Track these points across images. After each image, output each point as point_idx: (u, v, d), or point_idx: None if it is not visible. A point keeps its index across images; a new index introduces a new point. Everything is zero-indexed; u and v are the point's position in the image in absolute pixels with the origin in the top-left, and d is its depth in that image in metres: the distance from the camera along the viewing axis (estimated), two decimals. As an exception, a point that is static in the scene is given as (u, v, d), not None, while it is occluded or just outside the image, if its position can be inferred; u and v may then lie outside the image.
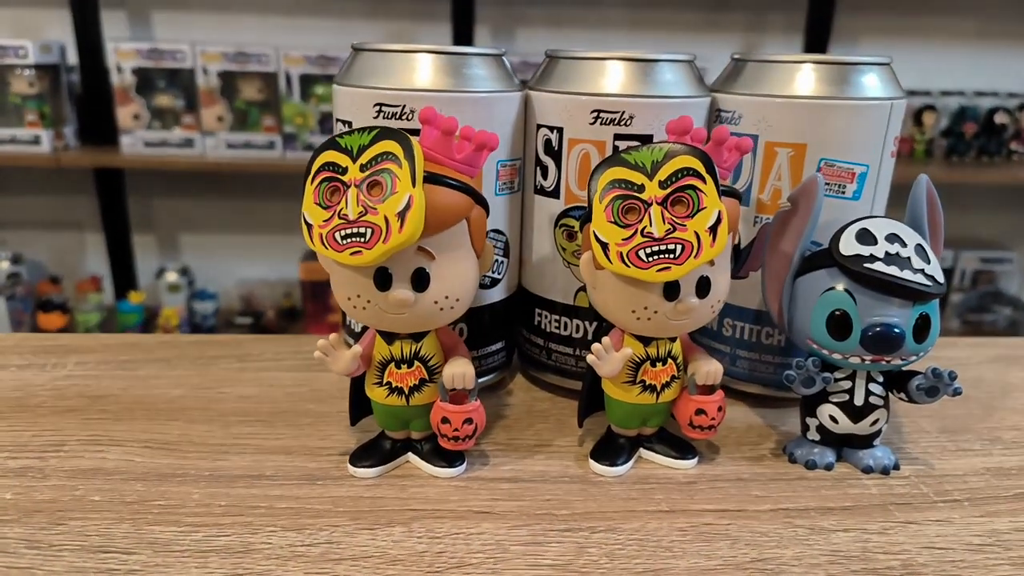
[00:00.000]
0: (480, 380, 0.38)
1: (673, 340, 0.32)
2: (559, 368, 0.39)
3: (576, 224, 0.36)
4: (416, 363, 0.31)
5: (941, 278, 0.31)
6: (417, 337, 0.31)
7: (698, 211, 0.28)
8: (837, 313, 0.31)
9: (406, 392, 0.31)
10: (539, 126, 0.37)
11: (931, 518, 0.30)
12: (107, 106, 1.35)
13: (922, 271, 0.30)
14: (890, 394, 0.33)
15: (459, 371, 0.30)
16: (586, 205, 0.30)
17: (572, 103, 0.35)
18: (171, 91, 1.37)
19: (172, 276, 1.52)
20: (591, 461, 0.33)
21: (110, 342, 0.45)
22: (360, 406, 0.33)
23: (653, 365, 0.32)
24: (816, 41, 1.40)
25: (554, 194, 0.37)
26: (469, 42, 1.35)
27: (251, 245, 1.62)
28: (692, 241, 0.28)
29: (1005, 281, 1.67)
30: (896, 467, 0.34)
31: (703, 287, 0.30)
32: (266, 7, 1.47)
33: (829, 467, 0.34)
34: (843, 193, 0.35)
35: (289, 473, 0.32)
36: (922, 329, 0.31)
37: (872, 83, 0.35)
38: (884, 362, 0.31)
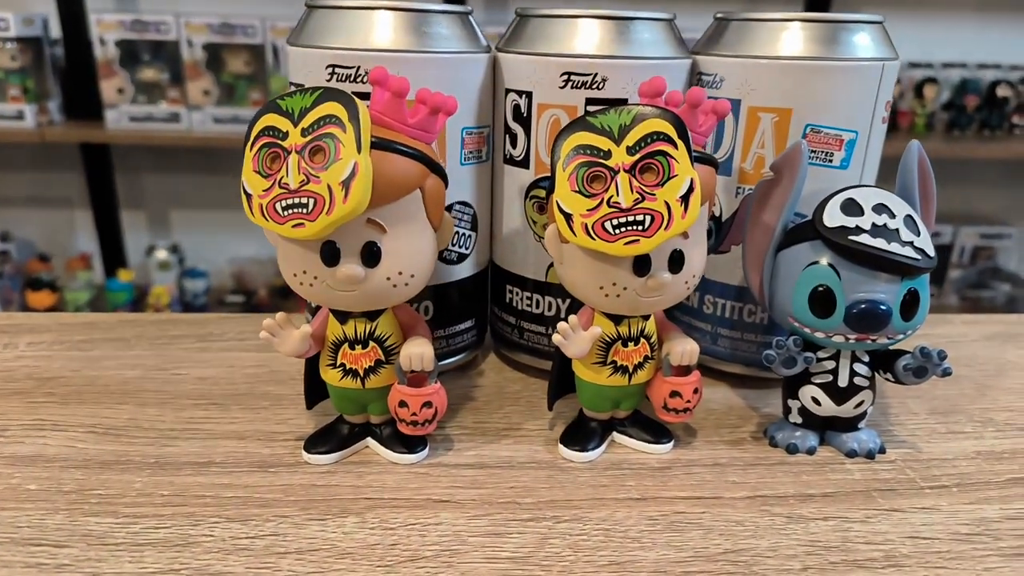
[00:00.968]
0: (448, 360, 0.37)
1: (646, 318, 0.30)
2: (531, 348, 0.38)
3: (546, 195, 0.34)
4: (371, 343, 0.29)
5: (932, 251, 0.29)
6: (372, 316, 0.29)
7: (668, 179, 0.26)
8: (820, 289, 0.29)
9: (361, 374, 0.29)
10: (508, 91, 0.34)
11: (917, 505, 0.29)
12: (91, 80, 1.32)
13: (911, 244, 0.28)
14: (876, 375, 0.31)
15: (417, 352, 0.29)
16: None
17: (541, 65, 0.33)
18: (156, 64, 1.34)
19: (162, 254, 1.50)
20: (560, 446, 0.32)
21: (68, 320, 0.43)
22: (316, 389, 0.31)
23: (624, 345, 0.30)
24: (815, 9, 1.36)
25: (523, 164, 0.35)
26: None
27: (243, 222, 1.57)
28: (662, 211, 0.26)
29: (1004, 257, 1.65)
30: (882, 451, 0.32)
31: (676, 261, 0.28)
32: (253, -24, 1.43)
33: (811, 451, 0.32)
34: (830, 161, 0.33)
35: (240, 460, 0.30)
36: (910, 306, 0.29)
37: (863, 42, 0.33)
38: (870, 341, 0.29)
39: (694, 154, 0.27)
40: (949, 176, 1.67)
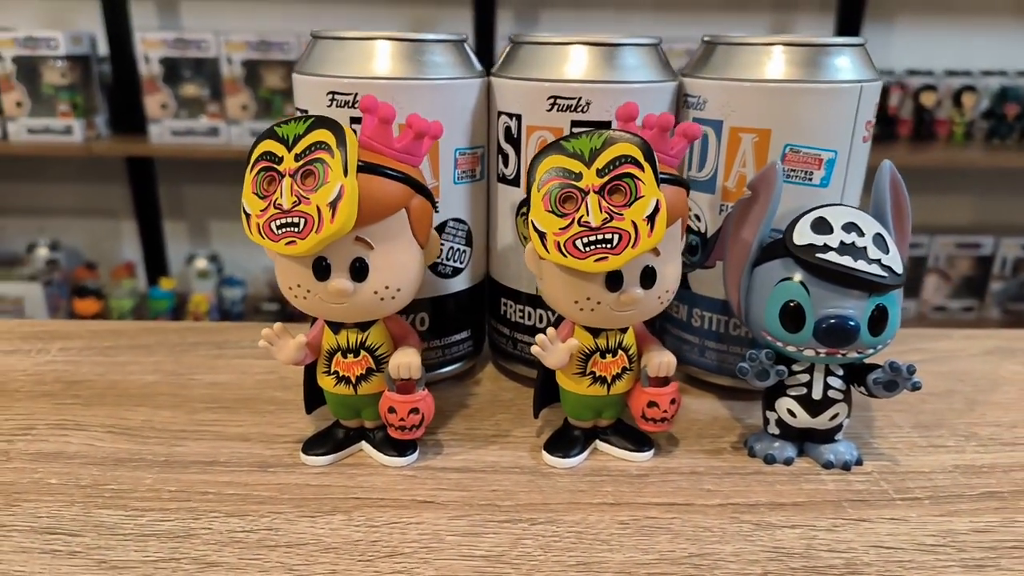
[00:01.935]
0: (445, 369, 0.39)
1: (624, 331, 0.32)
2: (525, 358, 0.39)
3: (536, 213, 0.36)
4: (362, 352, 0.31)
5: (900, 269, 0.30)
6: (363, 327, 0.31)
7: (635, 200, 0.27)
8: (791, 304, 0.30)
9: (353, 381, 0.31)
10: (500, 113, 0.36)
11: (885, 516, 0.30)
12: (136, 96, 1.38)
13: (878, 261, 0.29)
14: (852, 388, 0.32)
15: (405, 361, 0.30)
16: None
17: (529, 89, 0.34)
18: (197, 80, 1.40)
19: (201, 263, 1.56)
20: (544, 452, 0.33)
21: (97, 328, 0.46)
22: (315, 395, 0.33)
23: (603, 357, 0.31)
24: (849, 20, 1.35)
25: (515, 182, 0.36)
26: (491, 27, 1.34)
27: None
28: (629, 230, 0.27)
29: (1048, 269, 1.61)
30: (859, 462, 0.33)
31: (648, 277, 0.29)
32: (290, -6, 1.48)
33: (788, 462, 0.33)
34: (810, 180, 0.34)
35: (243, 460, 0.33)
36: (878, 321, 0.30)
37: (843, 65, 0.34)
38: (840, 355, 0.30)
39: (665, 176, 0.28)
40: (988, 186, 1.64)
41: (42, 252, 1.59)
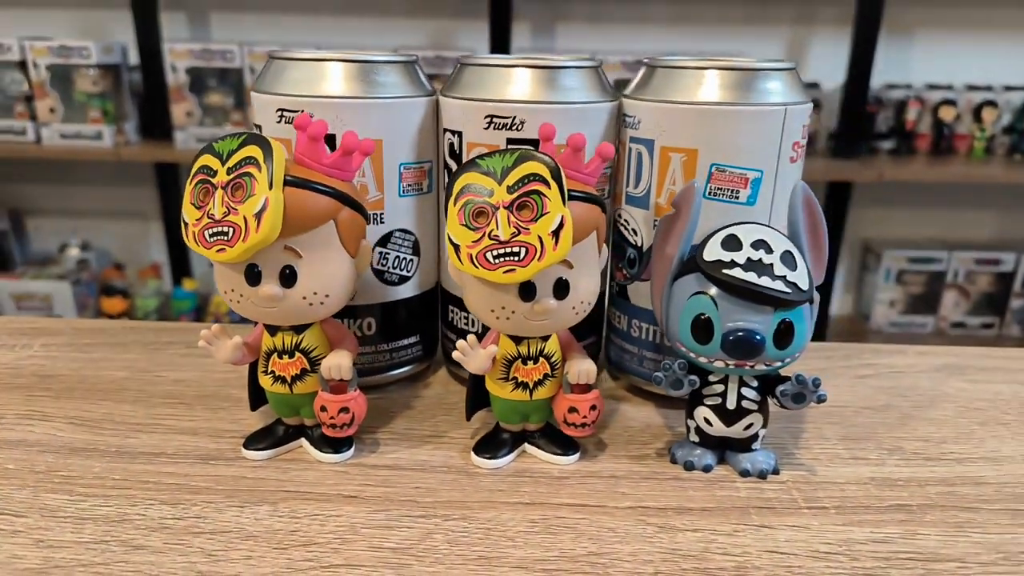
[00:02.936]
0: (394, 372, 0.41)
1: (546, 339, 0.33)
2: (470, 363, 0.41)
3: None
4: (297, 354, 0.33)
5: (805, 285, 0.31)
6: (299, 329, 0.33)
7: (542, 215, 0.29)
8: (702, 317, 0.31)
9: (289, 381, 0.33)
10: (445, 130, 0.38)
11: (788, 523, 0.30)
12: (164, 104, 1.43)
13: (783, 278, 0.30)
14: (767, 399, 0.33)
15: (335, 363, 0.32)
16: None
17: (469, 108, 0.36)
18: (221, 89, 1.45)
19: (222, 265, 1.60)
20: (472, 453, 0.35)
21: (81, 326, 0.49)
22: (259, 393, 0.35)
23: (524, 363, 0.33)
24: (866, 34, 1.34)
25: (458, 196, 0.38)
26: (506, 40, 1.36)
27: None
28: (536, 244, 0.29)
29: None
30: (775, 472, 0.34)
31: (561, 289, 0.31)
32: (317, 7, 1.52)
33: (707, 469, 0.34)
34: (737, 198, 0.35)
35: (188, 452, 0.35)
36: (784, 335, 0.31)
37: (772, 88, 0.35)
38: (748, 367, 0.31)
39: (576, 194, 0.30)
40: (1010, 201, 1.61)
41: (73, 252, 1.65)
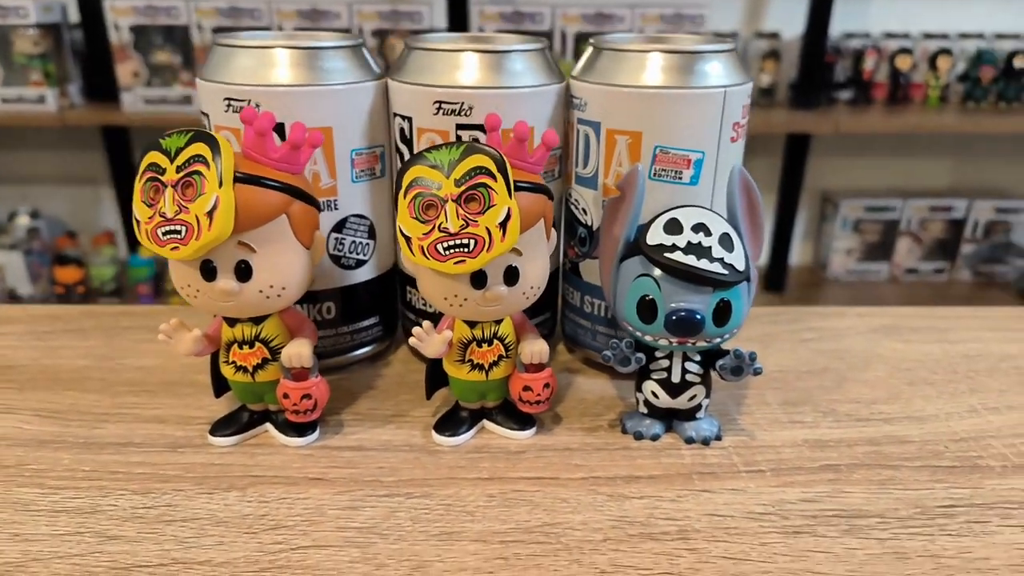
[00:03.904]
0: (356, 352, 0.42)
1: (499, 322, 0.34)
2: (429, 341, 0.42)
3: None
4: (257, 344, 0.34)
5: (742, 266, 0.32)
6: (257, 320, 0.34)
7: (489, 208, 0.30)
8: (646, 298, 0.33)
9: (250, 370, 0.34)
10: (395, 115, 0.38)
11: (727, 487, 0.33)
12: (108, 64, 1.38)
13: (721, 260, 0.32)
14: (710, 372, 0.35)
15: (295, 352, 0.33)
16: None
17: (418, 93, 0.37)
18: (168, 47, 1.40)
19: (179, 230, 1.57)
20: (433, 432, 0.36)
21: (36, 312, 0.49)
22: (222, 381, 0.36)
23: (479, 346, 0.34)
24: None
25: (411, 180, 0.39)
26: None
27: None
28: (484, 236, 0.30)
29: (1021, 231, 1.63)
30: (718, 438, 0.36)
31: (512, 276, 0.32)
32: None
33: (655, 438, 0.36)
34: (680, 179, 0.37)
35: (156, 441, 0.36)
36: (723, 313, 0.32)
37: (712, 71, 0.36)
38: (690, 344, 0.33)
39: (522, 184, 0.31)
40: (964, 149, 1.65)
41: (23, 221, 1.61)
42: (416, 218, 0.30)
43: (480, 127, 0.36)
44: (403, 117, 0.38)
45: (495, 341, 0.35)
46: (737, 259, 0.32)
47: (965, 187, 1.65)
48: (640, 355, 0.34)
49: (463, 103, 0.36)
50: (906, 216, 1.59)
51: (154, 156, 0.30)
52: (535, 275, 0.33)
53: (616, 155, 0.37)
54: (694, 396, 0.35)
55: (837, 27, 1.45)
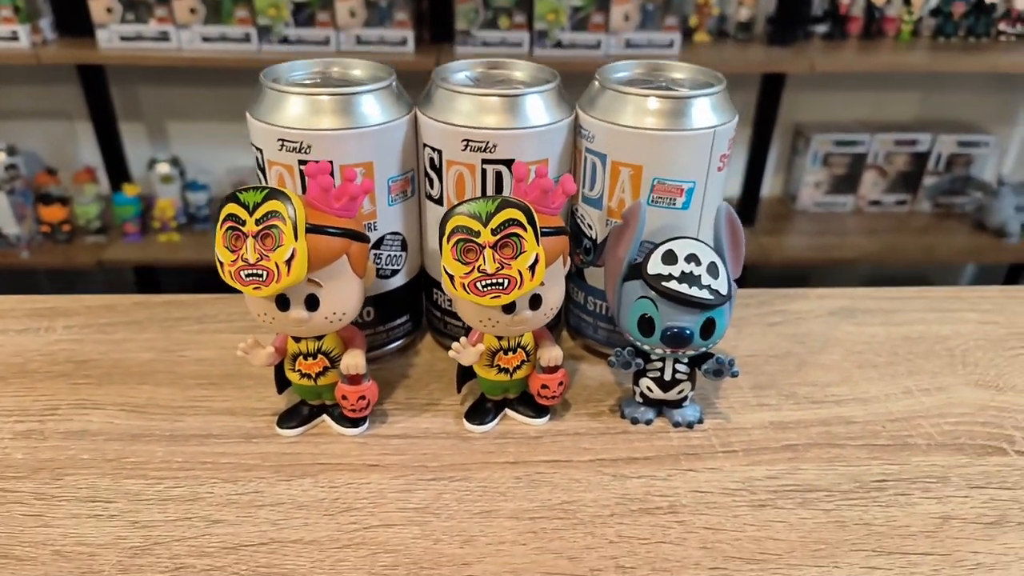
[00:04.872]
0: (389, 347, 0.48)
1: (522, 335, 0.41)
2: (453, 336, 0.48)
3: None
4: (319, 356, 0.40)
5: (724, 290, 0.39)
6: (319, 336, 0.40)
7: (521, 253, 0.36)
8: (645, 316, 0.39)
9: (313, 376, 0.41)
10: (424, 145, 0.43)
11: (708, 466, 0.41)
12: (81, -1, 1.36)
13: (708, 286, 0.38)
14: (696, 370, 0.42)
15: (352, 362, 0.40)
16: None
17: (447, 132, 0.42)
18: (142, -18, 1.37)
19: (164, 167, 1.58)
20: (464, 420, 0.43)
21: (92, 303, 0.54)
22: (284, 381, 0.43)
23: (506, 354, 0.41)
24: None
25: (439, 202, 0.44)
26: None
27: (240, 133, 1.65)
28: (516, 277, 0.36)
29: (981, 164, 1.71)
30: (700, 421, 0.44)
31: (535, 302, 0.38)
32: None
33: (649, 422, 0.44)
34: (674, 205, 0.43)
35: (232, 432, 0.42)
36: (708, 328, 0.39)
37: (702, 112, 0.41)
38: (681, 352, 0.40)
39: (546, 230, 0.37)
40: (933, 83, 1.70)
41: (0, 157, 1.60)
42: (458, 260, 0.36)
43: (502, 161, 0.41)
44: (433, 148, 0.43)
45: (519, 349, 0.41)
46: (721, 284, 0.39)
47: (931, 120, 1.71)
48: (639, 360, 0.41)
49: (488, 142, 0.41)
50: (873, 150, 1.66)
51: (233, 208, 0.36)
52: (554, 299, 0.39)
53: (620, 183, 0.43)
54: (682, 390, 0.42)
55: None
